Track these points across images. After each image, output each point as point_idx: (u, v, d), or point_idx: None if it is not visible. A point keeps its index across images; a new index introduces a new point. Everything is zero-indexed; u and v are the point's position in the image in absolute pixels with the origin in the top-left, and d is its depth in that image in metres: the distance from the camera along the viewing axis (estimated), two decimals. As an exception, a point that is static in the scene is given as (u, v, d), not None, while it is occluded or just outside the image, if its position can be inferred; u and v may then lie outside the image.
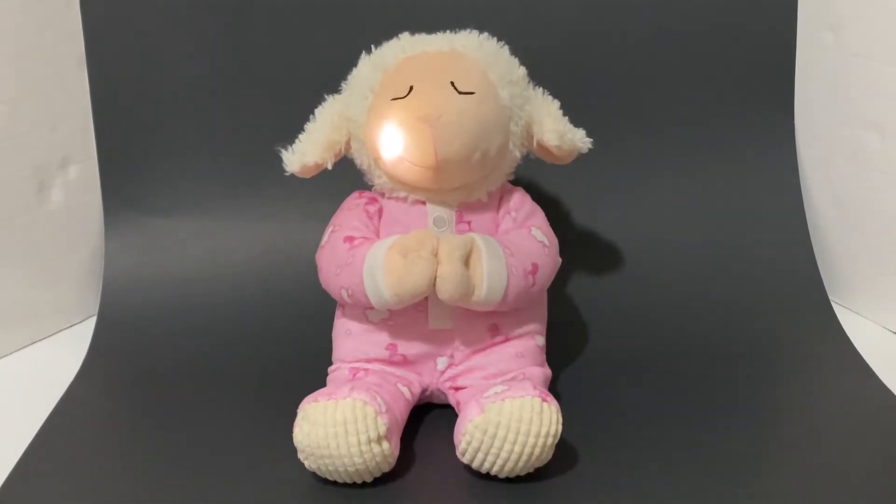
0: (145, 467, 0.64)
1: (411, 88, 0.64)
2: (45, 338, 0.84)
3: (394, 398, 0.63)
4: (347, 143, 0.68)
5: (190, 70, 0.84)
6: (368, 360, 0.67)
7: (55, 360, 0.80)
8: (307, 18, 0.84)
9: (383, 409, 0.59)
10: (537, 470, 0.60)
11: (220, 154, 0.85)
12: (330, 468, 0.59)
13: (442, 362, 0.67)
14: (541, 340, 0.69)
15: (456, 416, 0.63)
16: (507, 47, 0.69)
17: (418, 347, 0.67)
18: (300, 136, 0.68)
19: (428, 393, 0.68)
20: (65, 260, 0.86)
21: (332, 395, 0.59)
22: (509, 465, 0.59)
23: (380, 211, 0.69)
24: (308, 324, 0.77)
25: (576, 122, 0.68)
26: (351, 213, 0.68)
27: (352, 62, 0.69)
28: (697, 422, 0.68)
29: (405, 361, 0.67)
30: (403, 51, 0.67)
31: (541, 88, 0.69)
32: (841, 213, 0.86)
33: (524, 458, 0.58)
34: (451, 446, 0.61)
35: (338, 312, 0.70)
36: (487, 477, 0.61)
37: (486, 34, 0.69)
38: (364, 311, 0.67)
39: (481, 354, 0.67)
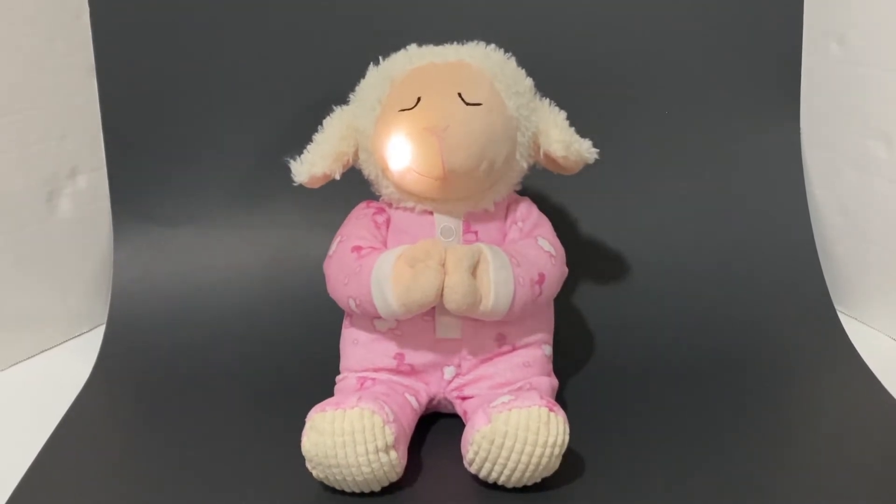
0: (154, 476, 0.64)
1: (419, 99, 0.64)
2: (54, 346, 0.85)
3: (401, 407, 0.64)
4: (355, 154, 0.69)
5: (199, 80, 0.85)
6: (376, 370, 0.67)
7: (64, 369, 0.80)
8: (316, 30, 0.84)
9: (391, 419, 0.60)
10: (544, 480, 0.60)
11: (229, 164, 0.86)
12: (338, 477, 0.59)
13: (449, 372, 0.67)
14: (548, 350, 0.69)
15: (463, 425, 0.63)
16: (513, 58, 0.69)
17: (426, 357, 0.67)
18: (308, 146, 0.68)
19: (435, 402, 0.68)
20: (74, 269, 0.86)
21: (340, 405, 0.59)
22: (516, 474, 0.59)
23: (387, 221, 0.69)
24: (315, 333, 0.77)
25: (582, 132, 0.69)
26: (359, 223, 0.69)
27: (360, 73, 0.69)
28: (704, 432, 0.68)
29: (412, 371, 0.67)
30: (411, 62, 0.67)
31: (547, 99, 0.69)
32: (847, 221, 0.86)
33: (531, 467, 0.58)
34: (459, 456, 0.62)
35: (345, 322, 0.70)
36: (495, 487, 0.61)
37: (493, 45, 0.69)
38: (371, 320, 0.67)
39: (488, 364, 0.67)
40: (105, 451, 0.68)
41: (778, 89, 0.88)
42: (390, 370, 0.67)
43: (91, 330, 0.87)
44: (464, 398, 0.67)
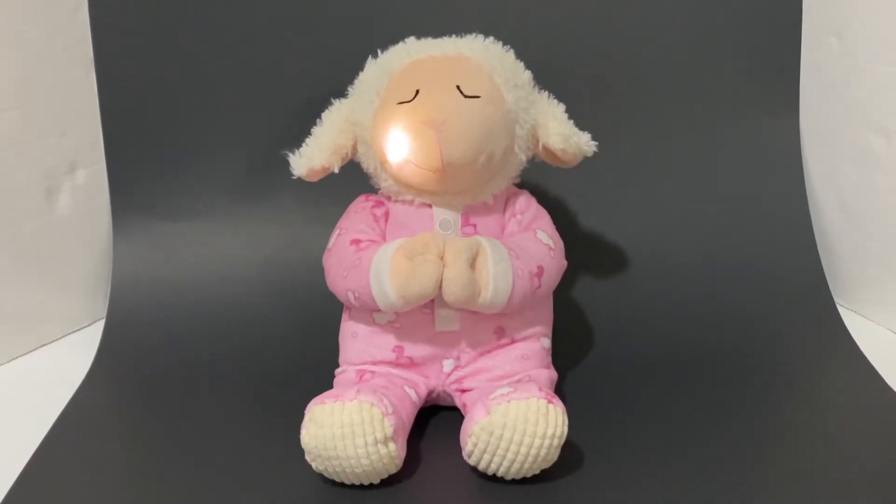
0: (153, 469, 0.64)
1: (417, 92, 0.64)
2: (53, 341, 0.85)
3: (400, 400, 0.64)
4: (354, 147, 0.69)
5: (197, 75, 0.85)
6: (375, 363, 0.67)
7: (64, 364, 0.80)
8: (314, 23, 0.84)
9: (390, 411, 0.60)
10: (543, 471, 0.60)
11: (228, 158, 0.86)
12: (337, 469, 0.59)
13: (448, 364, 0.67)
14: (546, 342, 0.69)
15: (462, 417, 0.63)
16: (512, 51, 0.69)
17: (425, 350, 0.67)
18: (307, 139, 0.68)
19: (434, 395, 0.68)
20: (73, 264, 0.86)
21: (339, 397, 0.59)
22: (515, 466, 0.59)
23: (386, 214, 0.69)
24: (315, 326, 0.77)
25: (581, 125, 0.69)
26: (357, 216, 0.69)
27: (358, 66, 0.69)
28: (703, 425, 0.68)
29: (411, 363, 0.67)
30: (409, 55, 0.67)
31: (546, 92, 0.69)
32: (847, 216, 0.86)
33: (530, 459, 0.58)
34: (458, 448, 0.62)
35: (344, 315, 0.70)
36: (494, 478, 0.61)
37: (491, 38, 0.69)
38: (370, 313, 0.67)
39: (487, 356, 0.67)
40: (104, 445, 0.69)
41: (777, 84, 0.88)
42: (389, 363, 0.67)
43: (90, 324, 0.87)
44: (463, 391, 0.67)
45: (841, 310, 0.83)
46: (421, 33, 0.69)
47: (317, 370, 0.71)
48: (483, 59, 0.67)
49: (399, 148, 0.64)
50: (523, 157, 0.68)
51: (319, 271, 0.69)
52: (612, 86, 0.86)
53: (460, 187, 0.67)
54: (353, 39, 0.81)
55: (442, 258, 0.62)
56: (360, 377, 0.66)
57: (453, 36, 0.69)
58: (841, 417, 0.70)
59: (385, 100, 0.66)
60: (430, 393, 0.68)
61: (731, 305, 0.83)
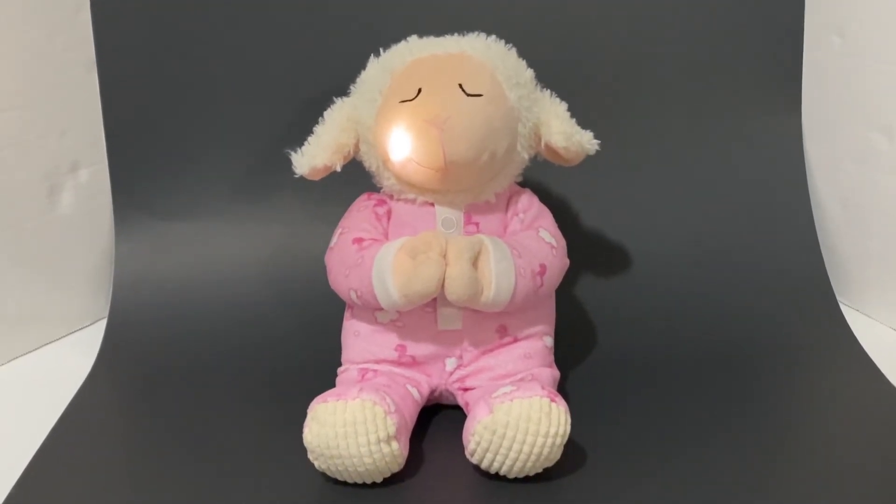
0: (155, 469, 0.64)
1: (419, 91, 0.64)
2: (55, 340, 0.85)
3: (403, 399, 0.64)
4: (356, 146, 0.68)
5: (199, 75, 0.85)
6: (377, 361, 0.67)
7: (66, 363, 0.80)
8: (316, 22, 0.84)
9: (392, 410, 0.60)
10: (546, 470, 0.60)
11: (230, 157, 0.86)
12: (339, 468, 0.59)
13: (450, 363, 0.67)
14: (549, 341, 0.69)
15: (464, 416, 0.63)
16: (514, 50, 0.69)
17: (427, 348, 0.67)
18: (309, 138, 0.68)
19: (437, 394, 0.68)
20: (75, 263, 0.86)
21: (342, 396, 0.59)
22: (518, 465, 0.59)
23: (388, 213, 0.69)
24: (317, 325, 0.77)
25: (583, 124, 0.68)
26: (360, 215, 0.69)
27: (360, 65, 0.69)
28: (705, 423, 0.68)
29: (414, 362, 0.67)
30: (412, 53, 0.67)
31: (548, 90, 0.69)
32: (849, 214, 0.86)
33: (533, 458, 0.58)
34: (460, 447, 0.62)
35: (347, 314, 0.70)
36: (496, 477, 0.61)
37: (493, 37, 0.69)
38: (373, 312, 0.67)
39: (490, 355, 0.67)
40: (106, 444, 0.69)
41: (779, 82, 0.88)
42: (392, 362, 0.67)
43: (92, 324, 0.87)
44: (465, 389, 0.67)
45: (843, 308, 0.83)
46: (423, 32, 0.69)
47: (318, 369, 0.71)
48: (485, 57, 0.67)
49: (401, 146, 0.64)
50: (525, 156, 0.68)
51: (321, 270, 0.69)
52: (613, 85, 0.86)
53: (462, 186, 0.67)
54: (354, 38, 0.82)
55: (444, 257, 0.62)
56: (363, 376, 0.66)
57: (455, 34, 0.69)
58: (843, 416, 0.70)
59: (387, 98, 0.65)
60: (432, 392, 0.68)
61: (732, 304, 0.83)
